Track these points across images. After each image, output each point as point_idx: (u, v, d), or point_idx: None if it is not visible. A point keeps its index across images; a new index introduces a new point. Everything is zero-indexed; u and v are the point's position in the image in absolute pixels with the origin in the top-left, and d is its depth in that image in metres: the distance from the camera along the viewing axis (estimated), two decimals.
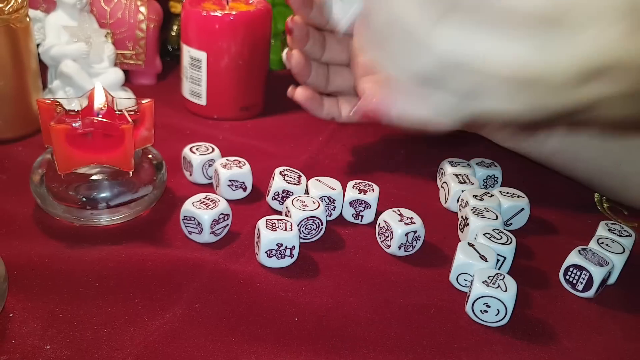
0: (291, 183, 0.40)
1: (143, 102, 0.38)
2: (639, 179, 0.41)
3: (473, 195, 0.41)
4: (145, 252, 0.36)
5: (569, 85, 0.28)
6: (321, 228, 0.38)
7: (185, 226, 0.37)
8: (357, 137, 0.53)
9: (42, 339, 0.29)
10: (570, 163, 0.42)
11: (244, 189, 0.42)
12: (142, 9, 0.56)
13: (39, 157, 0.38)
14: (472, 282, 0.33)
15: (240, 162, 0.42)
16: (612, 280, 0.37)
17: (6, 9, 0.42)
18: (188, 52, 0.52)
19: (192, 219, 0.36)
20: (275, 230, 0.35)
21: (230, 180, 0.41)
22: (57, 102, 0.37)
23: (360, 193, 0.40)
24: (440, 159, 0.47)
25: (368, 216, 0.41)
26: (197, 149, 0.43)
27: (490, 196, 0.41)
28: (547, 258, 0.39)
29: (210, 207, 0.36)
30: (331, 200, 0.40)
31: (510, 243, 0.36)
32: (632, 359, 0.32)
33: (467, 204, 0.41)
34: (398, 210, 0.38)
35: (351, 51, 0.42)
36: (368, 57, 0.35)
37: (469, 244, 0.36)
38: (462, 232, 0.40)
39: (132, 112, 0.38)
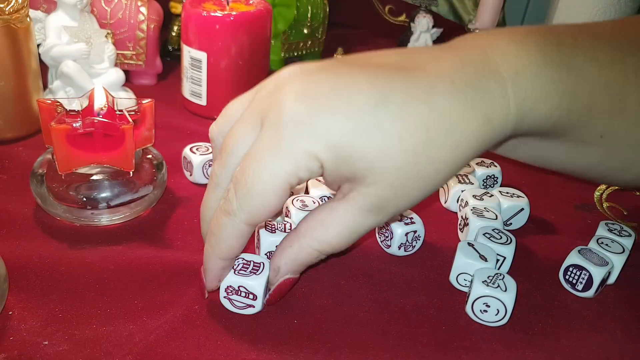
0: None
1: (143, 102, 0.38)
2: (620, 176, 0.38)
3: (473, 195, 0.41)
4: (146, 252, 0.36)
5: None
6: None
7: None
8: None
9: (41, 335, 0.29)
10: (544, 166, 0.39)
11: None
12: (143, 10, 0.56)
13: (39, 157, 0.39)
14: (472, 281, 0.33)
15: None
16: (611, 280, 0.37)
17: (7, 9, 0.42)
18: (188, 53, 0.52)
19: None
20: (275, 232, 0.35)
21: None
22: (58, 102, 0.37)
23: None
24: None
25: None
26: (197, 149, 0.43)
27: (490, 196, 0.41)
28: (547, 258, 0.39)
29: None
30: None
31: (510, 243, 0.36)
32: (632, 359, 0.32)
33: (467, 203, 0.41)
34: None
35: None
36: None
37: (469, 243, 0.36)
38: (462, 232, 0.40)
39: (133, 112, 0.38)
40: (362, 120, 0.27)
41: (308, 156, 0.27)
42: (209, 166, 0.43)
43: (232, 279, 0.31)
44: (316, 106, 0.27)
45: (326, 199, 0.40)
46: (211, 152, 0.43)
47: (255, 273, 0.31)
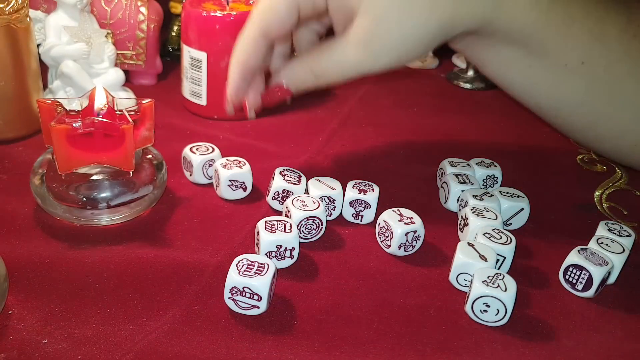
0: (291, 183, 0.40)
1: (143, 102, 0.38)
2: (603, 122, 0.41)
3: (473, 195, 0.41)
4: (146, 253, 0.36)
5: None
6: (321, 228, 0.38)
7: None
8: (357, 137, 0.53)
9: (40, 334, 0.29)
10: (533, 97, 0.42)
11: (244, 189, 0.42)
12: (143, 10, 0.56)
13: (39, 157, 0.39)
14: (471, 281, 0.33)
15: (240, 162, 0.42)
16: (611, 280, 0.37)
17: (7, 9, 0.42)
18: (188, 53, 0.52)
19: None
20: (275, 232, 0.35)
21: (230, 180, 0.41)
22: (58, 102, 0.37)
23: (360, 193, 0.40)
24: (440, 159, 0.47)
25: (368, 216, 0.41)
26: (197, 149, 0.43)
27: (490, 196, 0.41)
28: (546, 258, 0.39)
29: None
30: (331, 200, 0.40)
31: (509, 243, 0.36)
32: (632, 359, 0.32)
33: (466, 203, 0.41)
34: (398, 210, 0.38)
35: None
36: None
37: (469, 243, 0.36)
38: (461, 232, 0.40)
39: (133, 112, 0.38)
40: None
41: None
42: (209, 166, 0.43)
43: (236, 280, 0.31)
44: None
45: (326, 199, 0.40)
46: (211, 152, 0.43)
47: (260, 274, 0.31)
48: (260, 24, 0.36)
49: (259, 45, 0.36)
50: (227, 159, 0.42)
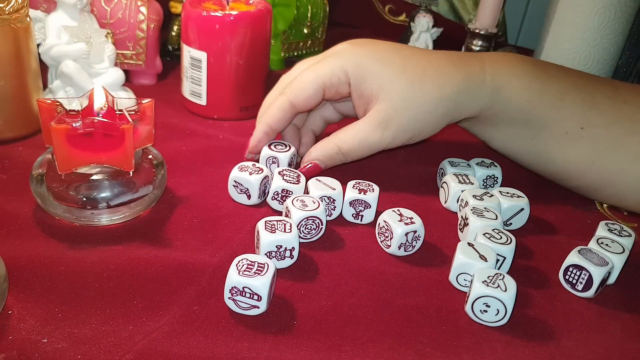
0: (290, 182, 0.40)
1: (143, 102, 0.38)
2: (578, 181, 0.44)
3: (473, 195, 0.41)
4: (145, 253, 0.36)
5: None
6: (321, 228, 0.38)
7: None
8: None
9: (40, 334, 0.29)
10: (547, 171, 0.45)
11: (248, 197, 0.41)
12: (143, 9, 0.56)
13: (39, 157, 0.39)
14: (471, 282, 0.33)
15: (258, 169, 0.41)
16: (611, 280, 0.37)
17: (7, 9, 0.42)
18: (188, 52, 0.52)
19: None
20: (275, 232, 0.35)
21: (235, 181, 0.41)
22: (58, 102, 0.37)
23: (360, 193, 0.40)
24: (440, 159, 0.47)
25: (368, 216, 0.41)
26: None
27: (490, 196, 0.41)
28: (546, 258, 0.39)
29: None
30: (331, 200, 0.40)
31: (509, 243, 0.36)
32: (631, 359, 0.32)
33: (467, 204, 0.41)
34: (398, 210, 0.38)
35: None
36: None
37: (469, 243, 0.36)
38: (462, 232, 0.40)
39: (133, 112, 0.38)
40: (381, 55, 0.42)
41: (341, 68, 0.42)
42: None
43: (236, 280, 0.31)
44: (355, 46, 0.43)
45: (326, 199, 0.40)
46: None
47: (259, 274, 0.31)
48: (290, 97, 0.43)
49: (286, 113, 0.43)
50: (243, 164, 0.42)
